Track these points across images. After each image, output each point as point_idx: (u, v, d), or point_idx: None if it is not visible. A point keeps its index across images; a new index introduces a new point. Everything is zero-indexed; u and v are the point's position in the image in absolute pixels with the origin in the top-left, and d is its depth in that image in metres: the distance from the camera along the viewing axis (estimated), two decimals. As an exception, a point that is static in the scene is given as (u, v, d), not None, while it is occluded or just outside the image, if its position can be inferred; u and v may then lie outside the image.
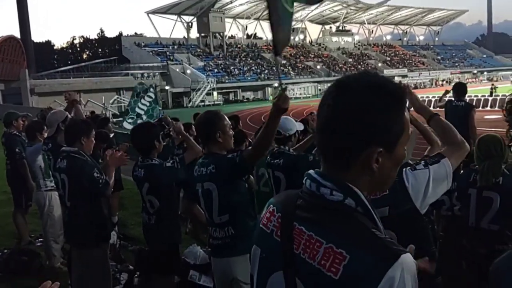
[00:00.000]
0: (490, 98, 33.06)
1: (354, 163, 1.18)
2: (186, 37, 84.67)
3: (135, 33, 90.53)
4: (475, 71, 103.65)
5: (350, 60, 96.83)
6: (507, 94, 31.29)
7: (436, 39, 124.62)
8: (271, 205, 1.33)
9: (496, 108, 30.09)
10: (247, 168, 3.50)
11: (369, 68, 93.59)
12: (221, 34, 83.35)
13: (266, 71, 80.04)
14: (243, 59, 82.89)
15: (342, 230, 1.13)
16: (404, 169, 2.17)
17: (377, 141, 1.16)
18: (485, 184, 3.48)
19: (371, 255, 1.07)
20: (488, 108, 30.05)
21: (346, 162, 1.18)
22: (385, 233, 1.18)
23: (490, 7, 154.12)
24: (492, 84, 44.35)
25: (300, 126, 4.61)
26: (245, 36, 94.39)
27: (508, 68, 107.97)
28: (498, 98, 32.55)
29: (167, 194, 4.30)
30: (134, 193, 4.84)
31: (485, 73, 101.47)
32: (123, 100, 47.53)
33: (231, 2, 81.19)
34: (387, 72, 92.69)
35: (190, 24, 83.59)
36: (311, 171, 1.25)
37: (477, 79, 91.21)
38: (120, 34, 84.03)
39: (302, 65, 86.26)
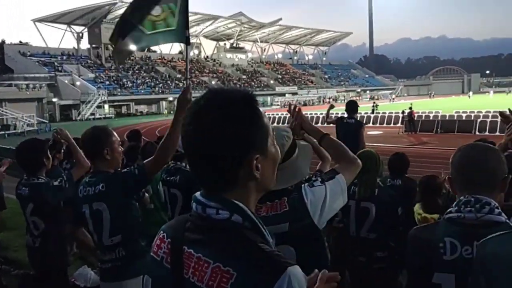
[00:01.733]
0: (372, 115, 35.60)
1: (235, 179, 1.18)
2: (76, 47, 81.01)
3: (20, 42, 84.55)
4: (359, 90, 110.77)
5: (244, 76, 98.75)
6: (387, 111, 33.92)
7: (324, 58, 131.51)
8: (162, 232, 1.31)
9: (378, 125, 32.48)
10: (146, 180, 3.31)
11: (262, 85, 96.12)
12: (113, 45, 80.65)
13: (161, 84, 79.01)
14: (137, 72, 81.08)
15: (229, 247, 1.12)
16: (303, 185, 2.26)
17: (251, 151, 1.17)
18: (363, 196, 3.83)
19: (257, 270, 1.07)
20: (371, 124, 32.22)
21: (226, 180, 1.19)
22: (274, 246, 1.21)
23: (372, 31, 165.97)
24: (374, 102, 47.63)
25: None
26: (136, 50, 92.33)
27: (388, 88, 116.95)
28: (379, 115, 35.14)
29: (53, 215, 4.04)
30: (18, 212, 4.56)
31: (368, 91, 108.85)
32: (5, 112, 44.28)
33: (124, 14, 79.28)
34: (279, 89, 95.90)
35: (80, 34, 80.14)
36: (196, 194, 1.25)
37: (360, 97, 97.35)
38: (3, 42, 78.06)
39: (198, 80, 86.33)
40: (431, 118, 29.96)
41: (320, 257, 2.28)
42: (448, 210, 1.88)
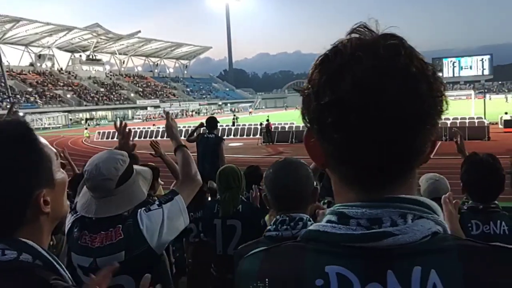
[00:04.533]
0: (233, 128, 36.43)
1: (23, 219, 1.12)
2: None
3: None
4: (220, 103, 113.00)
5: (102, 89, 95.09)
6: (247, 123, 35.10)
7: (185, 72, 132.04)
8: None
9: (238, 136, 33.33)
10: None
11: (122, 98, 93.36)
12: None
13: (9, 99, 72.58)
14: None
15: None
16: (139, 210, 2.18)
17: (35, 189, 1.12)
18: (227, 214, 3.82)
19: None
20: (232, 136, 33.09)
21: (13, 222, 1.12)
22: (71, 280, 1.14)
23: (230, 46, 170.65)
24: (234, 115, 48.86)
25: None
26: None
27: (247, 101, 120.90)
28: (239, 127, 36.09)
29: None
30: None
31: (228, 104, 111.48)
32: None
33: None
34: (140, 102, 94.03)
35: None
36: None
37: (222, 110, 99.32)
38: None
39: (51, 94, 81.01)
40: (286, 129, 31.44)
41: (160, 281, 2.23)
42: (268, 229, 1.94)
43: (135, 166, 2.37)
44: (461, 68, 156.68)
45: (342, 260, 0.74)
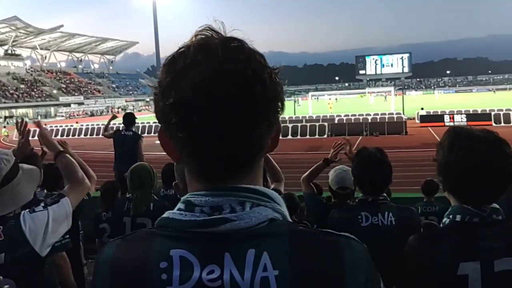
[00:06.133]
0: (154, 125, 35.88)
1: None
2: None
3: None
4: (148, 99, 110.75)
5: (23, 86, 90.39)
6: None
7: (111, 67, 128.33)
8: None
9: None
10: None
11: (44, 95, 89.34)
12: None
13: None
14: None
15: None
16: (22, 211, 2.14)
17: None
18: (139, 212, 3.78)
19: None
20: (153, 134, 32.56)
21: None
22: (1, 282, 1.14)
23: (157, 41, 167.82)
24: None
25: None
26: None
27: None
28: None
29: None
30: None
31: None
32: None
33: None
34: (63, 99, 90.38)
35: None
36: None
37: (149, 107, 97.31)
38: None
39: (-37, 90, 76.07)
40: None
41: (47, 285, 2.21)
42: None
43: (22, 165, 2.31)
44: (382, 65, 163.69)
45: (186, 244, 0.81)
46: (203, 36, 0.83)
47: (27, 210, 2.14)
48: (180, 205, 0.86)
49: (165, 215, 0.86)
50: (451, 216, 1.65)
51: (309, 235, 0.83)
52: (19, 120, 2.74)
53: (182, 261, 0.80)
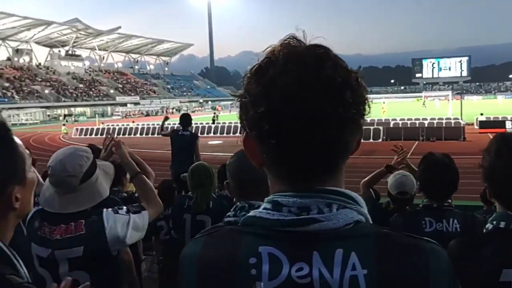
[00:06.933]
0: (213, 126, 36.37)
1: None
2: None
3: None
4: (201, 101, 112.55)
5: (81, 85, 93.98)
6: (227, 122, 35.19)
7: (166, 69, 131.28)
8: None
9: (218, 134, 33.33)
10: None
11: (101, 94, 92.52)
12: None
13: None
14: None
15: None
16: (105, 209, 2.22)
17: (9, 186, 1.18)
18: (200, 210, 3.86)
19: None
20: (212, 134, 33.09)
21: None
22: (28, 276, 1.19)
23: (212, 43, 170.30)
24: (214, 113, 48.79)
25: None
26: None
27: (228, 99, 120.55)
28: (220, 125, 36.09)
29: None
30: None
31: (210, 102, 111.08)
32: None
33: None
34: (120, 99, 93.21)
35: None
36: None
37: (203, 108, 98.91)
38: None
39: (28, 89, 79.81)
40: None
41: (114, 282, 2.27)
42: (227, 215, 1.97)
43: (98, 162, 2.39)
44: (440, 69, 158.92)
45: (273, 242, 0.83)
46: (288, 45, 0.85)
47: (111, 209, 2.21)
48: (266, 204, 0.88)
49: (252, 213, 0.89)
50: (494, 222, 1.62)
51: (393, 238, 0.85)
52: (109, 137, 2.85)
53: (271, 257, 0.82)
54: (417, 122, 32.48)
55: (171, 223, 4.19)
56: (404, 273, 0.80)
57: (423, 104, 68.16)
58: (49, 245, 2.16)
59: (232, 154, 2.08)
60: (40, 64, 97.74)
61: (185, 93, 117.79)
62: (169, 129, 9.01)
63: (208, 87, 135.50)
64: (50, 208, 2.21)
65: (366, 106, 0.87)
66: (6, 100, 70.65)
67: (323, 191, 0.85)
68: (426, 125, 29.74)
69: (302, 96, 0.78)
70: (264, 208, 0.87)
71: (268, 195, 0.88)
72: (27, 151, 1.26)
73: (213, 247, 0.89)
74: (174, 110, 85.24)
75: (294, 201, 0.84)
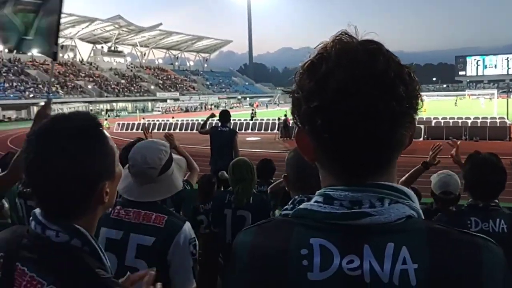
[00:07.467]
0: (251, 122, 36.56)
1: (84, 208, 1.20)
2: None
3: None
4: (239, 97, 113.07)
5: (123, 81, 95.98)
6: (271, 118, 35.20)
7: (205, 65, 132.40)
8: None
9: (256, 131, 33.43)
10: None
11: (142, 90, 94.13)
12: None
13: (32, 88, 73.83)
14: (4, 74, 75.01)
15: (64, 271, 1.11)
16: (190, 227, 2.29)
17: (100, 181, 1.19)
18: (241, 205, 3.89)
19: None
20: (249, 131, 33.31)
21: (75, 210, 1.19)
22: (111, 271, 1.21)
23: (251, 39, 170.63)
24: (253, 110, 48.93)
25: None
26: (6, 50, 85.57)
27: (266, 95, 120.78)
28: (257, 122, 36.19)
29: None
30: None
31: (248, 99, 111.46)
32: None
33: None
34: (160, 94, 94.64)
35: None
36: (37, 213, 1.21)
37: (241, 104, 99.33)
38: None
39: (72, 84, 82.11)
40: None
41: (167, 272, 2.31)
42: (285, 208, 2.00)
43: (173, 156, 2.51)
44: (485, 66, 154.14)
45: (324, 234, 0.84)
46: (341, 40, 0.85)
47: (194, 237, 2.27)
48: (317, 197, 0.88)
49: (303, 206, 0.89)
50: None
51: (446, 233, 0.84)
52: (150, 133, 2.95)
53: (322, 249, 0.83)
54: (459, 121, 31.55)
55: (211, 218, 4.24)
56: (457, 269, 0.80)
57: (455, 103, 66.39)
58: (123, 227, 2.23)
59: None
60: (83, 60, 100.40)
61: (223, 90, 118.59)
62: (207, 126, 9.02)
63: (247, 83, 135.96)
64: (130, 196, 2.30)
65: (419, 101, 0.86)
66: (51, 95, 72.74)
67: (375, 185, 0.85)
68: (469, 124, 28.90)
69: (355, 91, 0.79)
70: (316, 201, 0.88)
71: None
72: (114, 144, 1.28)
73: (265, 237, 0.91)
74: (212, 106, 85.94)
75: (346, 195, 0.84)
